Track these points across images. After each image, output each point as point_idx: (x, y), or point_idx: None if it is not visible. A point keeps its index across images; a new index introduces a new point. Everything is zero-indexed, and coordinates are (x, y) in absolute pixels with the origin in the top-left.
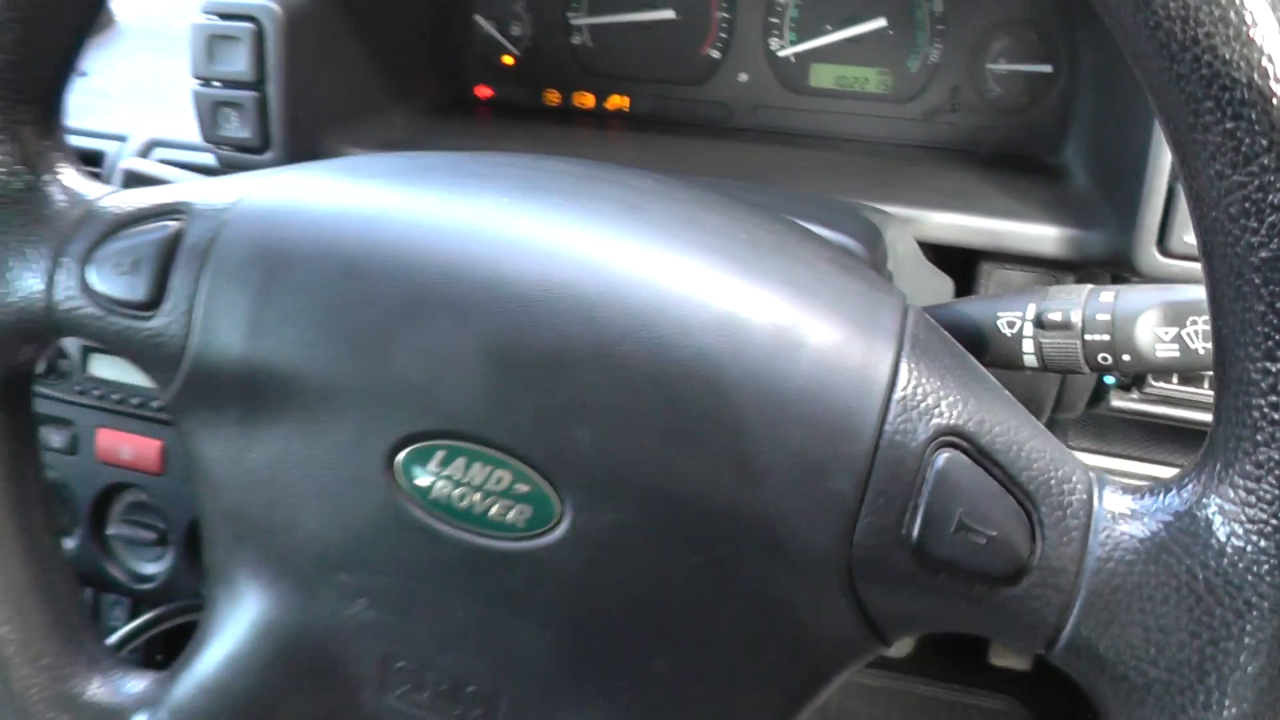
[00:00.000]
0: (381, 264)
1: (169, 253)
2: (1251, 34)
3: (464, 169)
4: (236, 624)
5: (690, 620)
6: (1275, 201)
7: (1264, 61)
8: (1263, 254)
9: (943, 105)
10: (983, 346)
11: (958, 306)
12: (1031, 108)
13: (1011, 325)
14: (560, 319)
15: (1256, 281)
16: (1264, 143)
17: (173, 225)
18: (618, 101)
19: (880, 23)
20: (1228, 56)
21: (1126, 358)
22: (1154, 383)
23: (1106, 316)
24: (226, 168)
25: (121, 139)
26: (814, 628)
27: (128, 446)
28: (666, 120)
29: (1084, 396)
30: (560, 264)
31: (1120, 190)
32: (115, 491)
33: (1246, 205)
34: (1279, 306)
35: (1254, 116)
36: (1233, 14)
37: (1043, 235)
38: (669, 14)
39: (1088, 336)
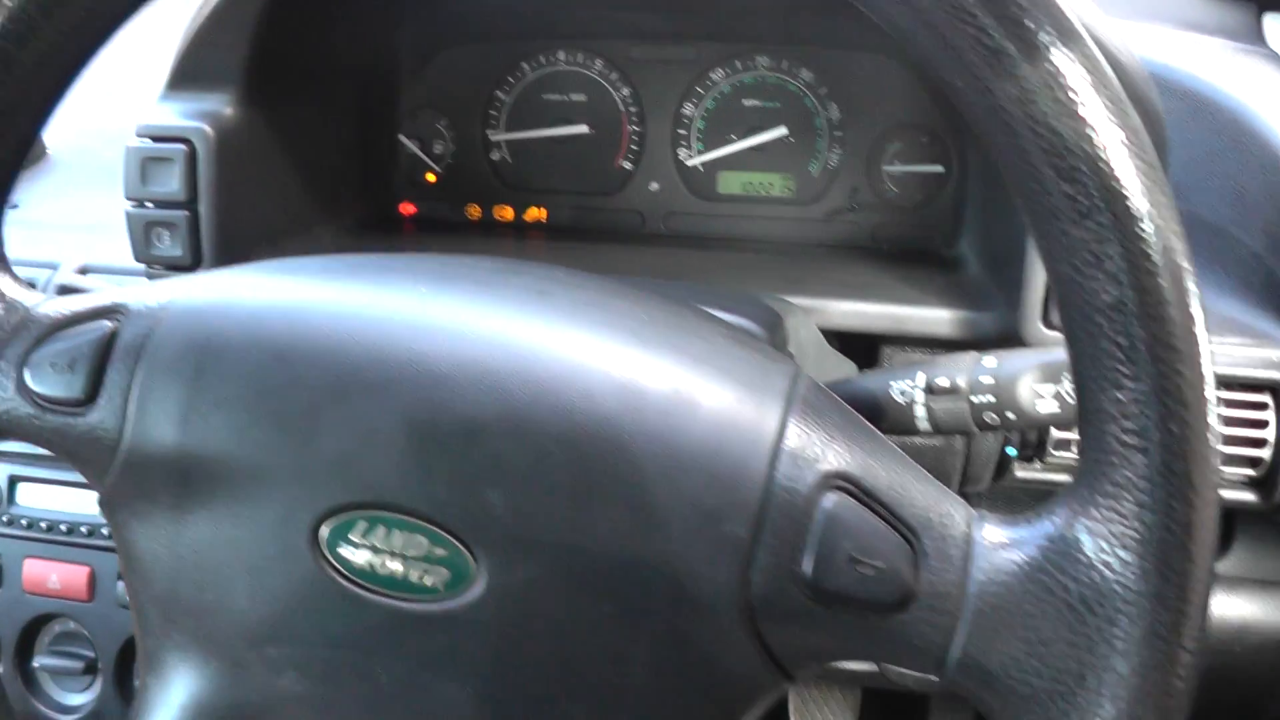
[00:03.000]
0: (307, 350)
1: (104, 351)
2: (1080, 111)
3: (383, 265)
4: (168, 708)
5: (605, 668)
6: (1111, 252)
7: (1090, 133)
8: (1105, 298)
9: (844, 206)
10: (879, 415)
11: (854, 380)
12: (926, 205)
13: (904, 394)
14: (472, 391)
15: (1102, 323)
16: (1098, 201)
17: (108, 325)
18: (536, 213)
19: (781, 131)
20: (1060, 130)
21: (1011, 415)
22: (1054, 452)
23: (990, 380)
24: None
25: (54, 266)
26: (721, 667)
27: (55, 574)
28: (584, 229)
29: (989, 469)
30: (472, 342)
31: (1007, 275)
32: (42, 622)
33: (1088, 256)
34: (1122, 343)
35: (1087, 180)
36: (1061, 95)
37: (939, 318)
38: (583, 129)
39: (974, 398)
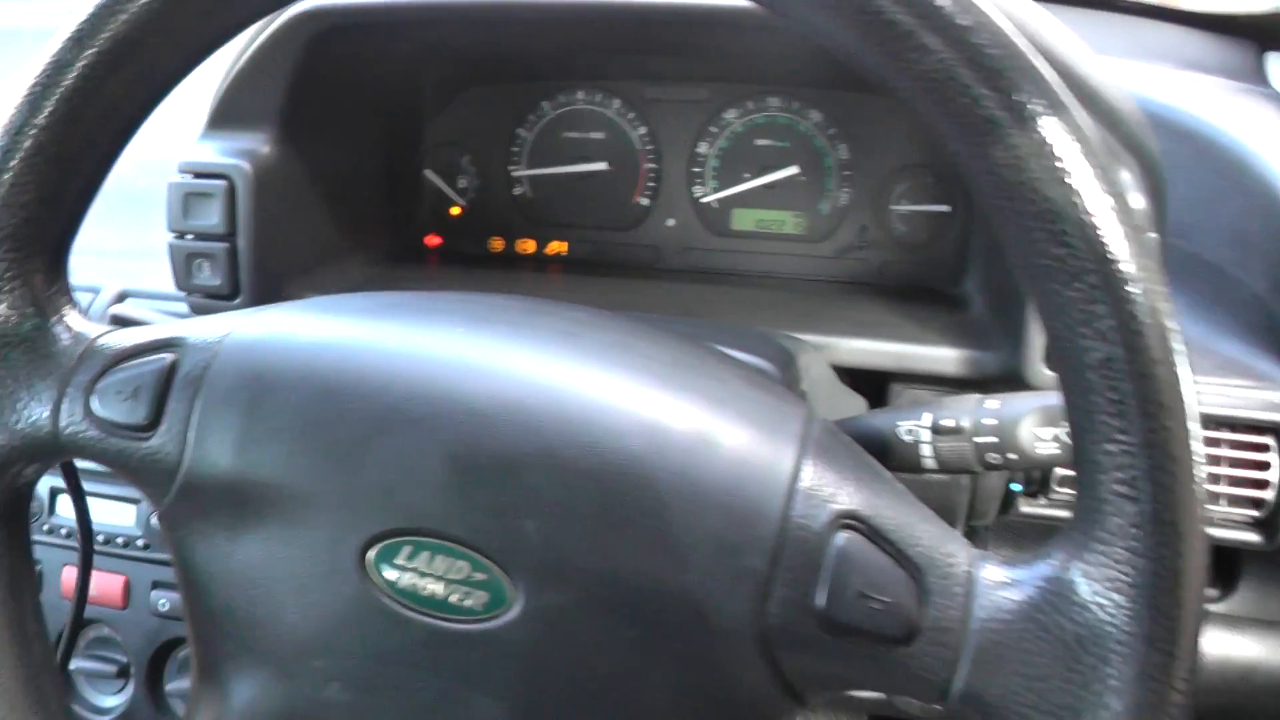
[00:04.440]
0: (354, 385)
1: (165, 381)
2: (1068, 178)
3: (423, 305)
4: (219, 713)
5: (629, 687)
6: (1100, 312)
7: (1077, 199)
8: (1096, 355)
9: (852, 243)
10: (887, 453)
11: (863, 419)
12: (932, 244)
13: (911, 433)
14: (509, 428)
15: (1094, 379)
16: (1087, 264)
17: (168, 357)
18: (557, 247)
19: (793, 170)
20: (1050, 195)
21: (1013, 456)
22: (1058, 489)
23: (993, 421)
24: (198, 314)
25: (95, 290)
26: (737, 691)
27: (92, 583)
28: (602, 263)
29: (994, 504)
30: (509, 382)
31: (1011, 316)
32: (79, 628)
33: (1078, 316)
34: (1112, 397)
35: (1076, 244)
36: (1050, 162)
37: (945, 357)
38: (602, 166)
39: (977, 439)
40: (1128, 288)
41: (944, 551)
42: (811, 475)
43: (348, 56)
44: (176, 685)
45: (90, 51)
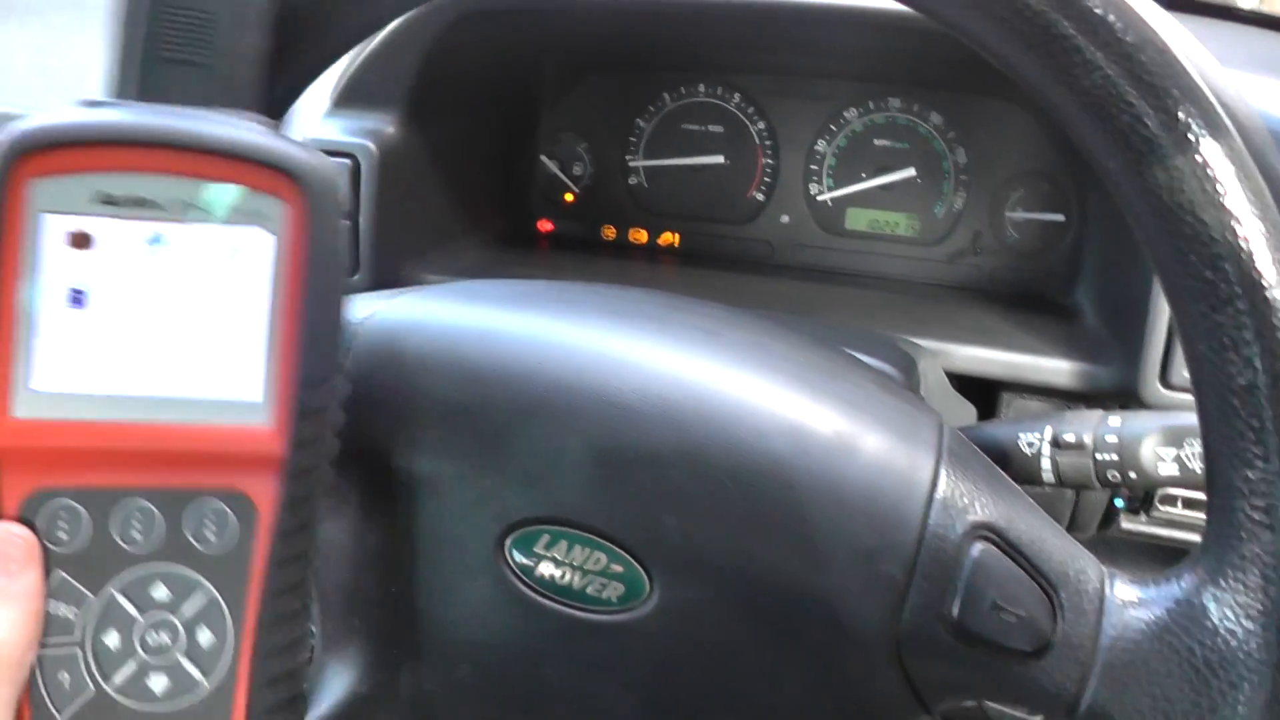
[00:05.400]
0: (499, 373)
1: None
2: (1223, 201)
3: (564, 296)
4: (346, 689)
5: (760, 686)
6: (1248, 338)
7: (1234, 224)
8: (1241, 381)
9: (966, 249)
10: (1005, 464)
11: (984, 428)
12: (1046, 252)
13: (1031, 445)
14: (653, 424)
15: (1236, 404)
16: (1237, 290)
17: None
18: (669, 238)
19: (910, 172)
20: (1205, 219)
21: (1133, 475)
22: (1160, 507)
23: (1114, 439)
24: None
25: None
26: (867, 694)
27: None
28: (714, 256)
29: (1095, 518)
30: (652, 377)
31: (1126, 329)
32: None
33: (1225, 341)
34: (1254, 424)
35: (1228, 269)
36: (1207, 185)
37: (1058, 368)
38: (719, 159)
39: (1098, 456)
40: (1277, 317)
41: (1076, 567)
42: (948, 485)
43: (477, 41)
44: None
45: None
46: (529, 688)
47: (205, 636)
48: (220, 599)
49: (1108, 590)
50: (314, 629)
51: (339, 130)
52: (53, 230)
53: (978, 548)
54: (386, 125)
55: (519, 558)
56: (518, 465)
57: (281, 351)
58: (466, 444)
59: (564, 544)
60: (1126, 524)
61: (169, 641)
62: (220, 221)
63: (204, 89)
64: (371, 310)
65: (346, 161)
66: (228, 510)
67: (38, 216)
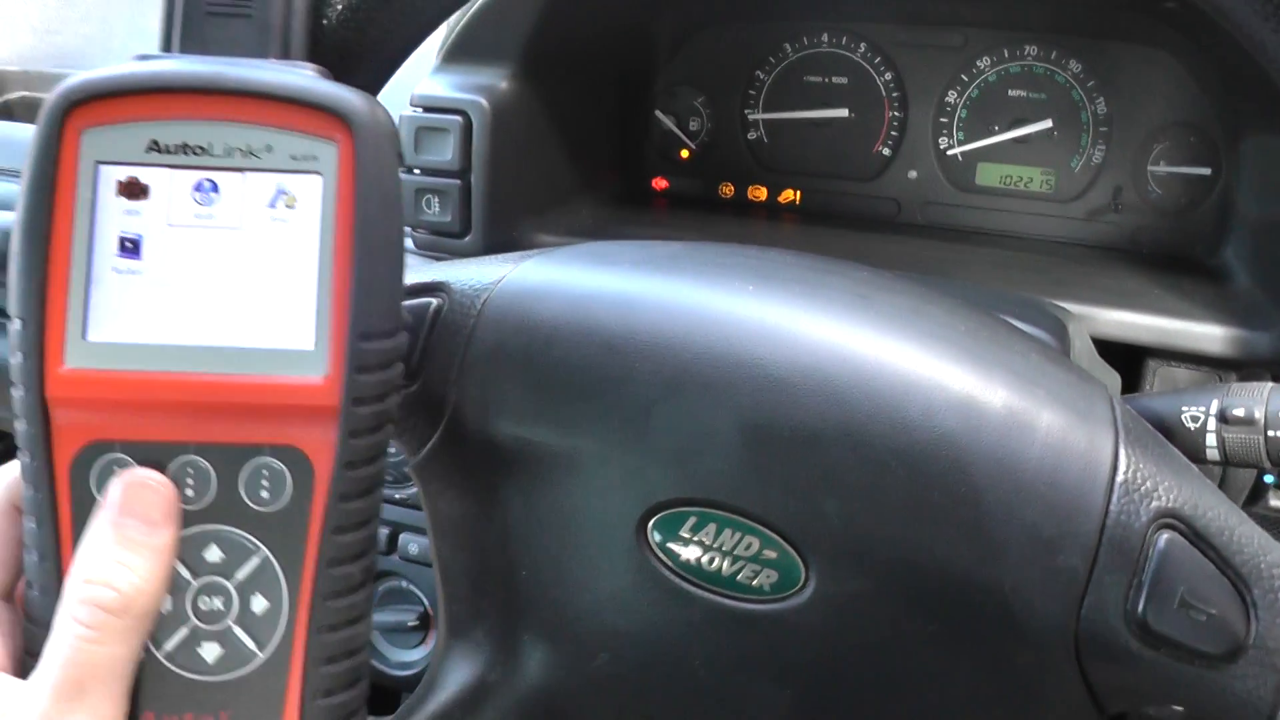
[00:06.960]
0: (641, 343)
1: (430, 326)
2: None
3: (703, 258)
4: (472, 675)
5: (925, 685)
6: None
7: None
8: None
9: (1105, 205)
10: (1167, 438)
11: (1144, 399)
12: (1191, 209)
13: (1195, 420)
14: (811, 399)
15: None
16: None
17: (432, 302)
18: (790, 195)
19: (1046, 124)
20: None
21: None
22: None
23: None
24: (423, 250)
25: None
26: (1041, 697)
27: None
28: (837, 214)
29: (1243, 494)
30: (807, 348)
31: None
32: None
33: None
34: None
35: None
36: None
37: (1210, 334)
38: (843, 112)
39: (1271, 433)
40: None
41: (1270, 561)
42: (1129, 466)
43: None
44: None
45: None
46: (671, 680)
47: (259, 603)
48: (275, 563)
49: None
50: (437, 613)
51: (449, 86)
52: (107, 180)
53: (1164, 537)
54: (499, 80)
55: (662, 541)
56: (661, 443)
57: (335, 298)
58: (607, 419)
59: (712, 527)
60: (1275, 501)
61: (221, 607)
62: (272, 166)
63: (254, 40)
64: (499, 275)
65: (457, 119)
66: (284, 467)
67: (93, 167)
